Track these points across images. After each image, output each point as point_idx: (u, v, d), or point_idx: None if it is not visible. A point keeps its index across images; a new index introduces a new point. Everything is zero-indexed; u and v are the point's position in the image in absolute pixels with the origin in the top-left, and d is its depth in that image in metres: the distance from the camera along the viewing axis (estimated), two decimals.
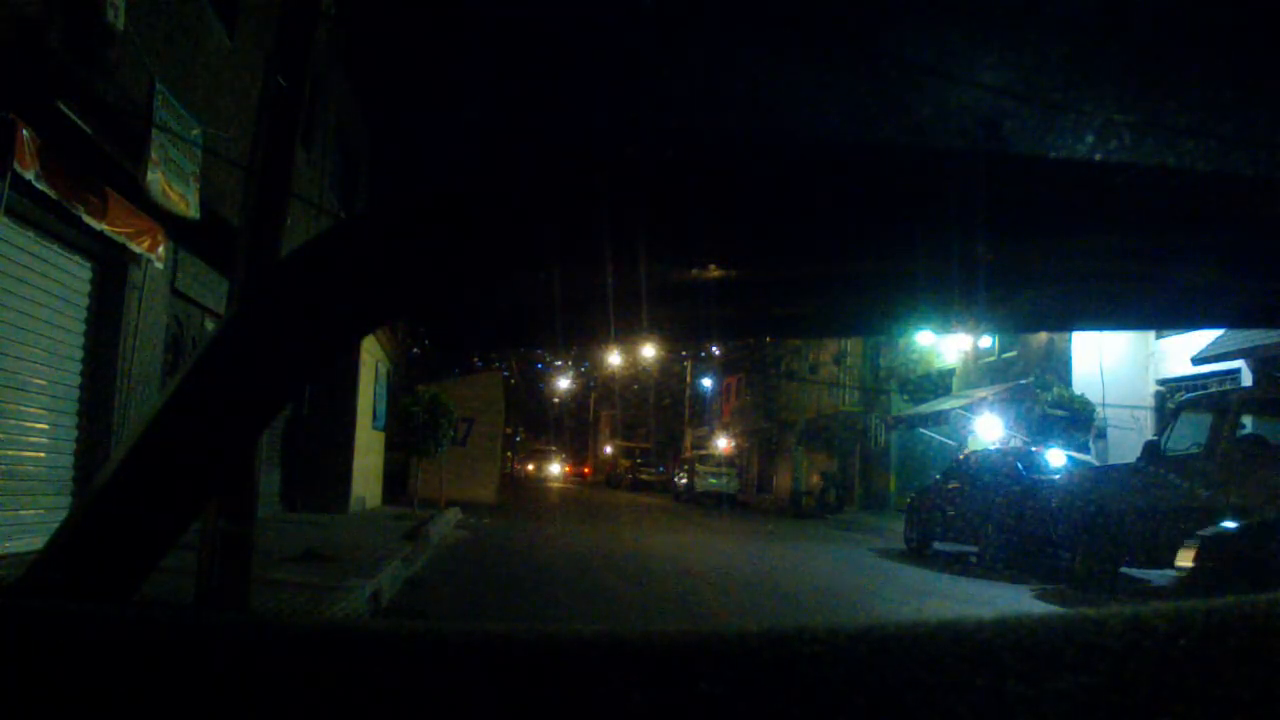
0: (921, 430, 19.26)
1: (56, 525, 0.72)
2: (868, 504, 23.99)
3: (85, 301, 7.02)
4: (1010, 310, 0.79)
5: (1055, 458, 11.62)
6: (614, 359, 44.17)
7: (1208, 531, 6.24)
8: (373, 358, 15.23)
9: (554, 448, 52.83)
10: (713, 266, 0.72)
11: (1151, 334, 14.83)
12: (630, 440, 48.23)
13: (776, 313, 0.87)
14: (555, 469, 48.61)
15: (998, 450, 13.18)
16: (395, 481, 17.65)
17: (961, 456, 13.81)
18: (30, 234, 6.16)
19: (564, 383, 54.96)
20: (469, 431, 19.44)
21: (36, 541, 6.03)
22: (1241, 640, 0.43)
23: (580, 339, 0.80)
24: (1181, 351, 14.12)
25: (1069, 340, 16.17)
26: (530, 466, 50.50)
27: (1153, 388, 15.28)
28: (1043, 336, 16.48)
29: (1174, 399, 12.43)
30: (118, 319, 7.15)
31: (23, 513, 6.24)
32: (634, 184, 0.65)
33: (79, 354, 6.97)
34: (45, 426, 6.61)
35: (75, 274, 6.86)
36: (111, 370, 7.09)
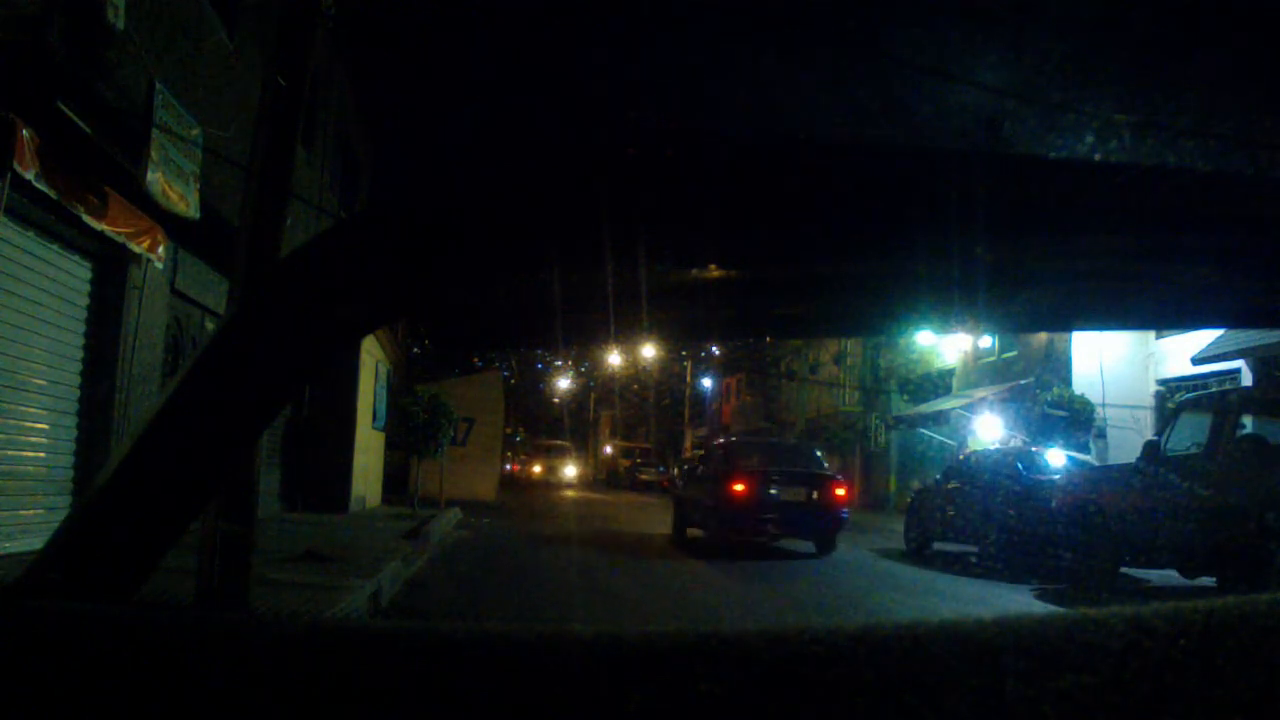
0: (921, 430, 19.28)
1: (56, 525, 0.72)
2: (867, 504, 24.00)
3: (85, 301, 7.02)
4: (1010, 310, 0.79)
5: (1055, 458, 11.62)
6: (614, 359, 43.57)
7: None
8: (373, 358, 15.23)
9: (567, 443, 41.86)
10: (713, 266, 0.72)
11: (1151, 334, 14.84)
12: (630, 440, 48.05)
13: (776, 313, 0.87)
14: (570, 471, 37.82)
15: (998, 450, 13.18)
16: (395, 481, 17.65)
17: (961, 456, 13.82)
18: (30, 234, 6.16)
19: (564, 383, 53.08)
20: (469, 431, 19.45)
21: (36, 541, 6.02)
22: (1241, 640, 0.43)
23: (580, 339, 0.81)
24: (1181, 351, 14.12)
25: (1069, 340, 16.18)
26: (536, 468, 38.97)
27: (1153, 388, 15.29)
28: (1043, 336, 16.49)
29: (1174, 399, 12.43)
30: (118, 319, 7.15)
31: (23, 513, 6.24)
32: (634, 184, 0.65)
33: (79, 354, 6.97)
34: (45, 426, 6.61)
35: (75, 274, 6.86)
36: (111, 370, 7.09)
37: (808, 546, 11.25)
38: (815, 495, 10.95)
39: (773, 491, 10.85)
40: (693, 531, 12.13)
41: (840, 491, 11.18)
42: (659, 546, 11.92)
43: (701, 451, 13.71)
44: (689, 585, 8.59)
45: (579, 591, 7.59)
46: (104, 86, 5.75)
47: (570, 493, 30.84)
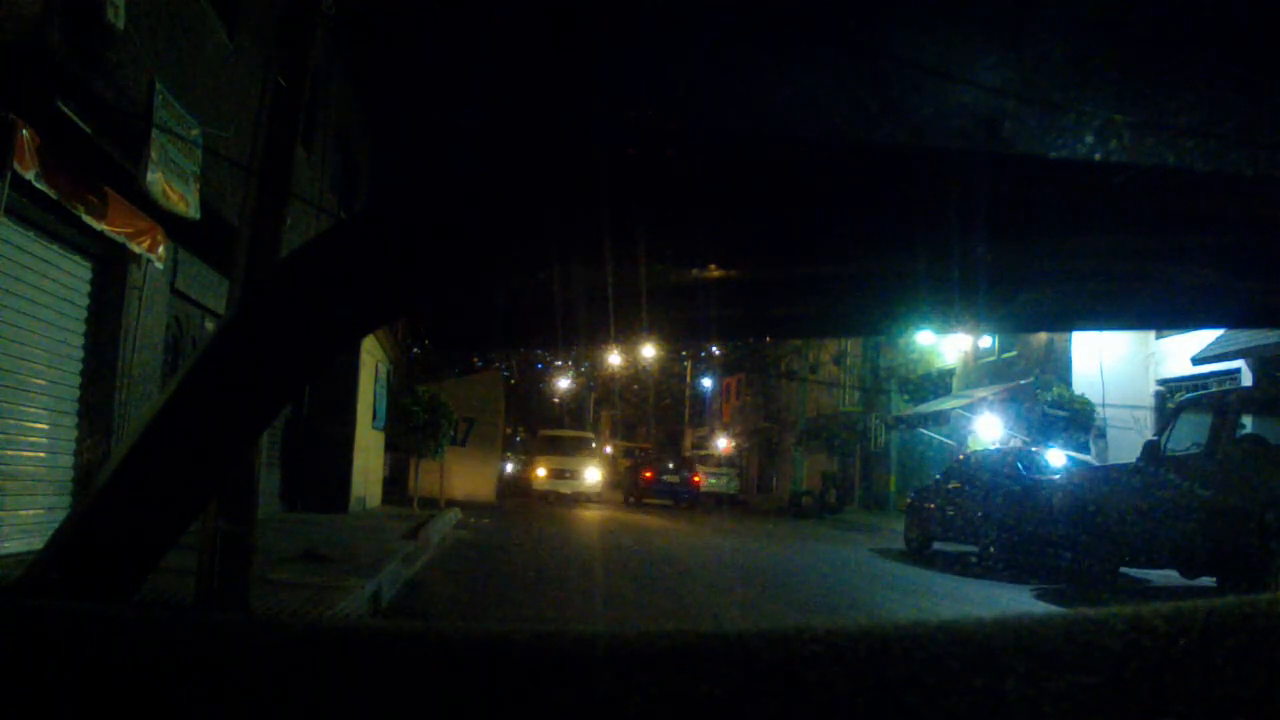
0: (921, 430, 19.27)
1: (56, 525, 0.72)
2: (868, 504, 23.99)
3: (85, 301, 7.02)
4: (1010, 310, 0.79)
5: (1055, 458, 11.62)
6: (614, 359, 43.24)
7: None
8: (373, 358, 15.23)
9: (588, 434, 30.36)
10: (713, 266, 0.72)
11: (1151, 334, 14.83)
12: (630, 440, 47.96)
13: (776, 313, 0.87)
14: (592, 476, 24.92)
15: (998, 450, 13.18)
16: (395, 481, 17.65)
17: (961, 456, 13.83)
18: (30, 234, 6.15)
19: (564, 383, 52.73)
20: (469, 431, 19.44)
21: (36, 541, 6.03)
22: (1241, 640, 0.43)
23: (580, 339, 0.80)
24: (1181, 351, 14.12)
25: (1069, 340, 16.18)
26: (540, 471, 25.27)
27: (1153, 388, 15.28)
28: (1043, 336, 16.48)
29: (1174, 399, 12.43)
30: (118, 319, 7.15)
31: (23, 513, 6.24)
32: (634, 184, 0.65)
33: (79, 354, 6.96)
34: (45, 426, 6.61)
35: (75, 274, 6.86)
36: (111, 370, 7.09)
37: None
38: (682, 479, 24.96)
39: (661, 477, 24.91)
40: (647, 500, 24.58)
41: (696, 479, 25.78)
42: (616, 504, 24.40)
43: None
44: (615, 513, 19.31)
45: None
46: (104, 86, 5.75)
47: (594, 512, 20.28)
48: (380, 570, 6.91)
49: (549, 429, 31.15)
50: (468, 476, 19.31)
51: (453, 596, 7.22)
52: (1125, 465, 9.10)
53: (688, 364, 42.25)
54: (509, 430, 40.20)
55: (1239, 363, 13.02)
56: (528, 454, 33.61)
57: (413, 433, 15.41)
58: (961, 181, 0.64)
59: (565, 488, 24.52)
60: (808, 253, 0.71)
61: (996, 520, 10.40)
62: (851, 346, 26.18)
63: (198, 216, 6.95)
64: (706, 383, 43.19)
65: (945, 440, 18.01)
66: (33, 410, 6.41)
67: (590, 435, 30.04)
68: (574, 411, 53.39)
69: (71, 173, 5.81)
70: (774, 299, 0.81)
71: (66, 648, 0.47)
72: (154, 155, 6.17)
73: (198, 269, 8.85)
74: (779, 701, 0.41)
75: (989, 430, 15.86)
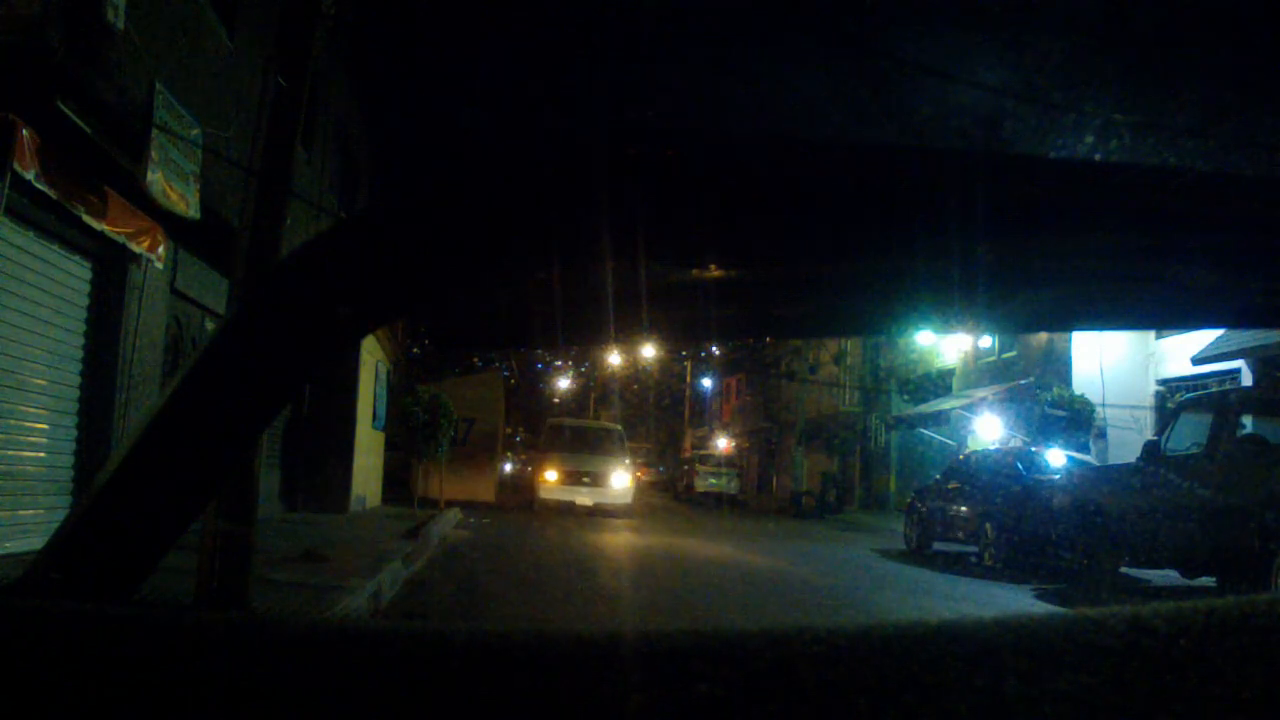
0: (921, 430, 19.28)
1: (56, 525, 0.72)
2: (868, 504, 24.00)
3: (85, 301, 7.02)
4: (1010, 310, 0.79)
5: (1055, 458, 11.63)
6: (614, 359, 43.20)
7: None
8: (373, 358, 15.23)
9: (614, 426, 22.69)
10: (713, 266, 0.72)
11: (1151, 334, 14.84)
12: (630, 440, 47.86)
13: (776, 313, 0.87)
14: (619, 480, 18.45)
15: (998, 450, 13.19)
16: (395, 481, 17.64)
17: (961, 456, 13.84)
18: (30, 234, 6.15)
19: (564, 383, 52.75)
20: (469, 431, 19.39)
21: (36, 541, 6.02)
22: (1241, 640, 0.43)
23: (580, 339, 0.80)
24: (1181, 351, 14.12)
25: (1069, 340, 16.18)
26: (550, 474, 18.63)
27: (1153, 388, 15.28)
28: (1043, 336, 16.49)
29: (1174, 399, 12.42)
30: (118, 319, 7.15)
31: (23, 513, 6.24)
32: (634, 183, 0.65)
33: (79, 354, 6.96)
34: (45, 426, 6.60)
35: (75, 274, 6.85)
36: (111, 370, 7.08)
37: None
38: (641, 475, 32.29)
39: None
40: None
41: (639, 474, 26.77)
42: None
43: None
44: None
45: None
46: (104, 86, 5.75)
47: (626, 534, 14.31)
48: (380, 570, 6.91)
49: (562, 418, 23.53)
50: (467, 477, 19.26)
51: (453, 596, 7.22)
52: (1125, 465, 9.10)
53: (688, 364, 42.24)
54: (509, 430, 40.15)
55: (1239, 363, 13.02)
56: (530, 451, 27.91)
57: (413, 433, 15.41)
58: (961, 181, 0.64)
59: (585, 497, 17.88)
60: (808, 253, 0.71)
61: (996, 520, 10.41)
62: (851, 346, 26.19)
63: (198, 216, 6.95)
64: (706, 383, 43.20)
65: (945, 440, 18.02)
66: (33, 410, 6.41)
67: (617, 427, 22.00)
68: (574, 412, 53.31)
69: (71, 173, 5.81)
70: (774, 299, 0.81)
71: (66, 648, 0.47)
72: (154, 155, 6.17)
73: (198, 269, 8.85)
74: (779, 701, 0.41)
75: (989, 430, 15.86)
